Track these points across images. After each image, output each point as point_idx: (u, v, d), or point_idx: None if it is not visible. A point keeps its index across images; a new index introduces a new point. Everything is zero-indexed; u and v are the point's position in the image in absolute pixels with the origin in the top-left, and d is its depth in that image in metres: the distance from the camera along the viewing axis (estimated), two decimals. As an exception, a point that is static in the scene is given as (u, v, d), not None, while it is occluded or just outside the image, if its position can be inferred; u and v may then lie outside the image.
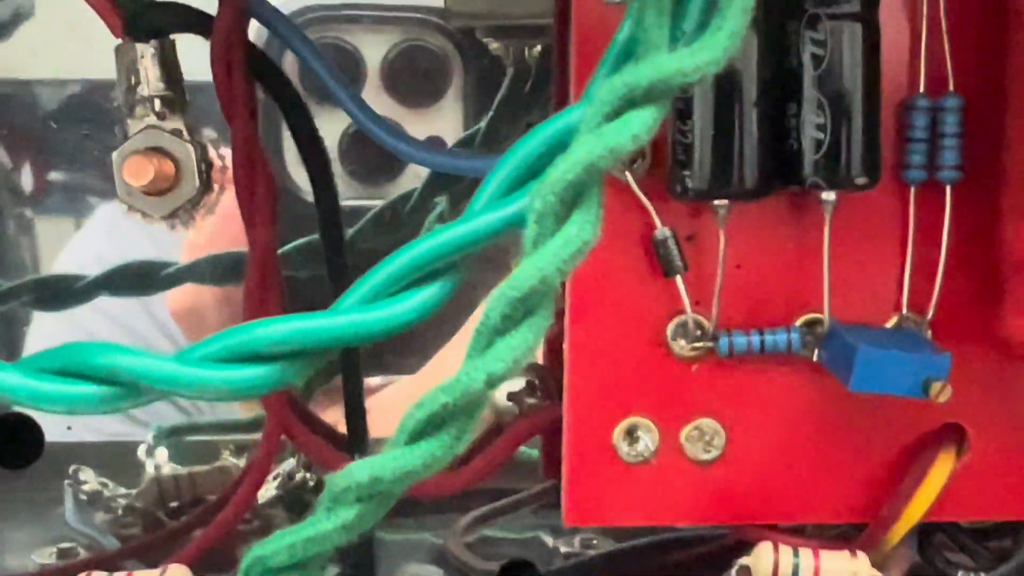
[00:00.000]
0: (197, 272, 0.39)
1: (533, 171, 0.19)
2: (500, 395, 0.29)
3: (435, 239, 0.19)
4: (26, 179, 1.24)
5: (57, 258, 0.88)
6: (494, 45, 0.36)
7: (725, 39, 0.18)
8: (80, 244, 0.85)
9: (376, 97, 0.61)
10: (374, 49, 0.61)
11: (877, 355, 0.25)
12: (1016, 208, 0.25)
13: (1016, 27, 0.25)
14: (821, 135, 0.25)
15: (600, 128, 0.18)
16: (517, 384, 0.29)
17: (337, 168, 0.62)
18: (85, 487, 0.35)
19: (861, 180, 0.25)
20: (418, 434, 0.18)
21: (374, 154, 0.61)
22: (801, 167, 0.25)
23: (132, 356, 0.18)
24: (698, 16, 0.19)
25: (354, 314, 0.18)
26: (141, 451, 0.37)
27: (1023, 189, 0.24)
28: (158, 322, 0.75)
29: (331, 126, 0.60)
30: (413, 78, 0.61)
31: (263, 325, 0.18)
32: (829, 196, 0.26)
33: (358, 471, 0.18)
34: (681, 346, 0.27)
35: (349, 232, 0.40)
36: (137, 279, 0.39)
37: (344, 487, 0.18)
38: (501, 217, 0.19)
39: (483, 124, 0.39)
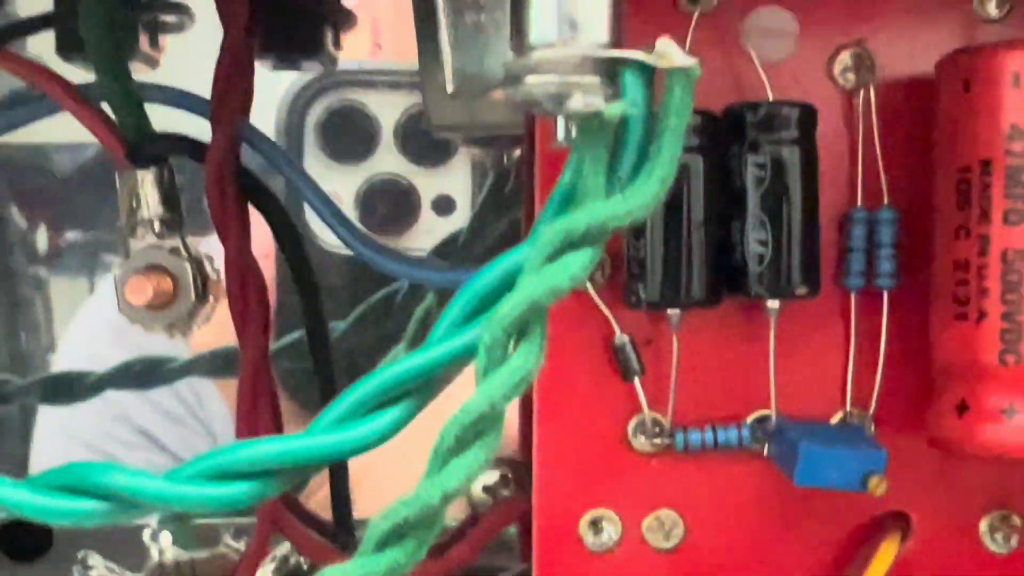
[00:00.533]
0: (199, 366, 0.41)
1: (485, 305, 0.21)
2: (476, 487, 0.31)
3: (399, 367, 0.21)
4: (41, 240, 1.27)
5: (69, 323, 0.90)
6: (475, 151, 0.39)
7: (655, 186, 0.21)
8: (91, 311, 0.87)
9: (390, 157, 0.65)
10: (389, 112, 0.64)
11: (818, 452, 0.27)
12: (939, 315, 0.27)
13: (941, 151, 0.27)
14: (763, 250, 0.27)
15: (542, 269, 0.20)
16: (492, 477, 0.31)
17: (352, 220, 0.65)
18: (92, 573, 0.37)
19: (801, 291, 0.27)
20: (383, 543, 0.20)
21: (389, 209, 0.64)
22: (746, 279, 0.27)
23: (128, 475, 0.21)
24: (632, 164, 0.21)
25: (327, 435, 0.21)
26: (146, 535, 0.39)
27: (945, 297, 0.27)
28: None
29: (347, 181, 0.64)
30: (425, 139, 0.64)
31: (245, 447, 0.21)
32: (773, 304, 0.28)
33: (331, 577, 0.20)
34: (641, 442, 0.29)
35: (342, 325, 0.42)
36: (142, 375, 0.41)
37: (318, 592, 0.20)
38: (456, 347, 0.21)
39: (465, 225, 0.41)
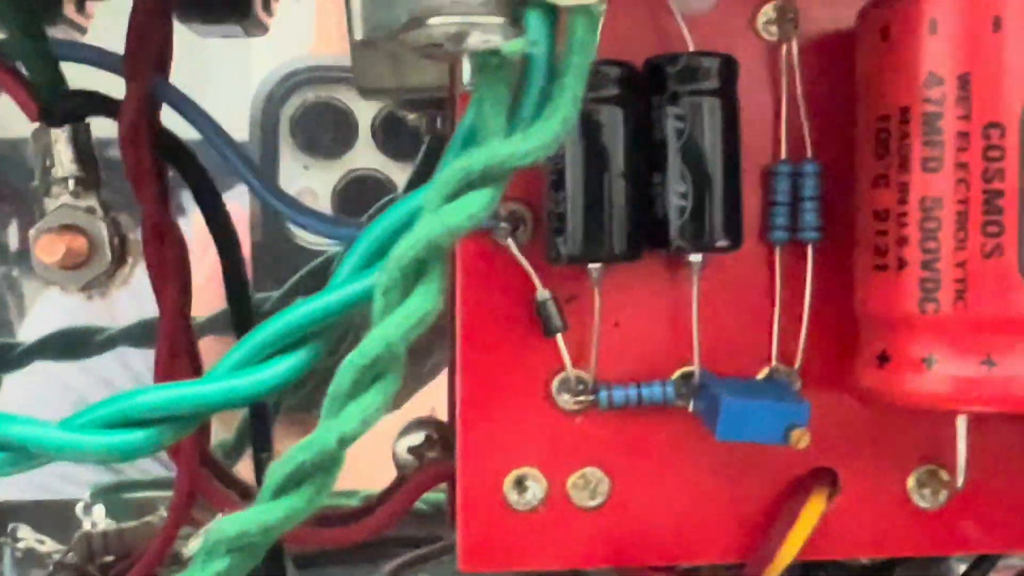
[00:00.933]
0: (131, 336, 0.41)
1: (386, 248, 0.21)
2: (401, 449, 0.30)
3: (297, 311, 0.21)
4: (12, 237, 1.26)
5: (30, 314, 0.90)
6: (411, 116, 0.38)
7: (556, 126, 0.20)
8: (47, 302, 0.87)
9: (367, 152, 0.64)
10: (365, 107, 0.64)
11: (739, 406, 0.27)
12: (861, 266, 0.27)
13: (861, 102, 0.27)
14: (684, 202, 0.27)
15: (440, 209, 0.20)
16: (417, 438, 0.30)
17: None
18: (21, 544, 0.36)
19: (722, 243, 0.27)
20: (280, 490, 0.20)
21: (366, 201, 0.63)
22: (667, 232, 0.27)
23: (21, 424, 0.20)
24: (534, 105, 0.21)
25: (222, 381, 0.20)
26: (79, 509, 0.38)
27: (866, 248, 0.26)
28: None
29: (324, 177, 0.64)
30: (401, 135, 0.64)
31: (139, 393, 0.20)
32: (696, 258, 0.27)
33: (227, 525, 0.20)
34: (565, 400, 0.29)
35: (277, 293, 0.42)
36: (72, 344, 0.40)
37: (216, 540, 0.20)
38: (356, 291, 0.20)
39: (399, 190, 0.41)
